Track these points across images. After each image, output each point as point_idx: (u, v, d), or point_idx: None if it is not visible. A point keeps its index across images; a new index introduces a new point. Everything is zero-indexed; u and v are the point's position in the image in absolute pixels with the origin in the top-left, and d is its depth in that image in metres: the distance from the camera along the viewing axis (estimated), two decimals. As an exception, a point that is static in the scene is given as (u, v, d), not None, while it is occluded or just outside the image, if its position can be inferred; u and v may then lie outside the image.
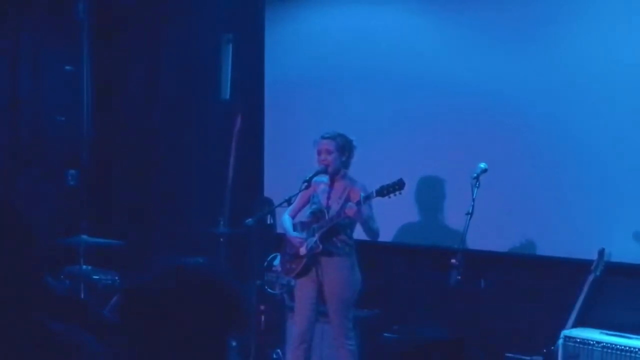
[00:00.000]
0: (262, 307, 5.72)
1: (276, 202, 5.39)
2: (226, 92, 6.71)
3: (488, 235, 5.22)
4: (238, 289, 1.69)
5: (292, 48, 6.43)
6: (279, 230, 5.57)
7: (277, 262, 5.38)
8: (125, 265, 5.80)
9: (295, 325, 5.00)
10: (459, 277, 4.44)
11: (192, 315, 1.60)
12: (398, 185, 4.56)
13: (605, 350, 4.52)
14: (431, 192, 5.64)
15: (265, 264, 5.78)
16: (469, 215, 4.56)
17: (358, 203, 4.61)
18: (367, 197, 4.63)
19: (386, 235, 5.77)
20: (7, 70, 6.37)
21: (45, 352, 1.74)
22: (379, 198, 4.62)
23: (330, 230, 4.79)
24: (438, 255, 5.02)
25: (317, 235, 4.80)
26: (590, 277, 4.78)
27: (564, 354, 4.63)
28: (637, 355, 4.41)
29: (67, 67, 6.60)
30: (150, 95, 6.98)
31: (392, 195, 4.58)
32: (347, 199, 4.75)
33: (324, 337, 5.15)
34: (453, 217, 5.38)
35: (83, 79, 6.62)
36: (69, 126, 6.62)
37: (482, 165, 4.73)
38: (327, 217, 4.80)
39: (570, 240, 5.08)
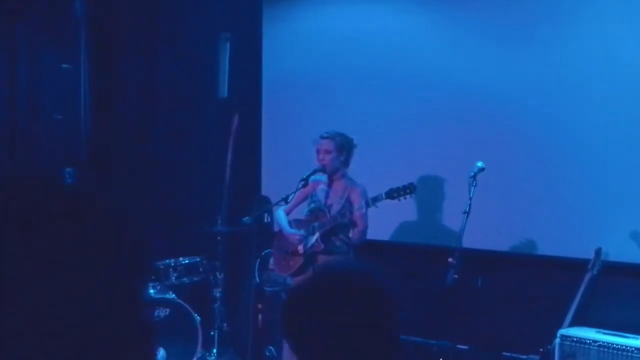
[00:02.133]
0: (259, 306, 5.72)
1: (273, 200, 5.39)
2: (224, 91, 6.71)
3: (485, 234, 5.23)
4: (396, 299, 1.66)
5: (290, 47, 6.43)
6: (276, 228, 5.57)
7: (272, 259, 5.38)
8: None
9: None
10: (456, 276, 4.44)
11: (348, 317, 1.58)
12: (409, 189, 4.53)
13: (601, 349, 4.52)
14: (428, 191, 5.64)
15: (259, 260, 5.78)
16: (466, 214, 4.56)
17: (367, 203, 4.59)
18: (376, 199, 4.61)
19: (383, 234, 5.78)
20: (4, 68, 6.35)
21: None
22: (388, 200, 4.60)
23: (332, 229, 4.79)
24: (435, 254, 5.02)
25: (317, 234, 4.79)
26: (587, 276, 4.79)
27: (561, 353, 4.64)
28: (634, 354, 4.41)
29: (65, 65, 6.58)
30: (147, 93, 6.98)
31: (401, 198, 4.56)
32: (348, 200, 4.74)
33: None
34: (450, 216, 5.38)
35: (80, 77, 6.60)
36: (67, 124, 6.61)
37: (479, 164, 4.73)
38: (328, 216, 4.79)
39: (567, 240, 5.09)
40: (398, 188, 4.55)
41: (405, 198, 4.56)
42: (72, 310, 0.78)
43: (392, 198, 4.56)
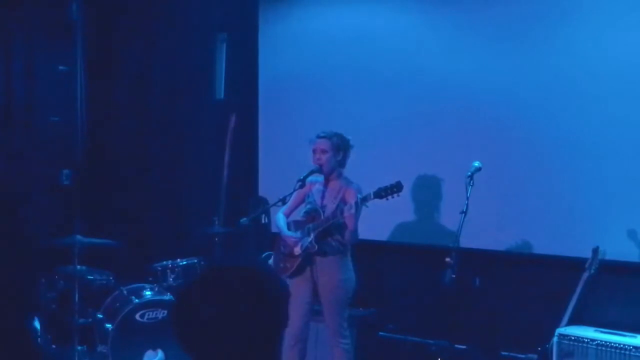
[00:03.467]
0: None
1: (271, 201, 5.38)
2: (220, 92, 6.71)
3: (482, 234, 5.23)
4: (282, 290, 1.75)
5: (286, 47, 6.43)
6: (274, 229, 5.56)
7: (270, 261, 5.37)
8: (119, 265, 5.80)
9: (290, 324, 4.97)
10: (454, 276, 4.44)
11: (236, 315, 1.64)
12: (396, 188, 4.54)
13: (599, 348, 4.52)
14: (426, 191, 5.64)
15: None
16: (463, 214, 4.56)
17: (356, 204, 4.58)
18: (365, 199, 4.61)
19: (381, 234, 5.79)
20: (1, 70, 6.35)
21: None
22: (376, 200, 4.60)
23: (326, 230, 4.78)
24: (433, 254, 5.02)
25: (312, 235, 4.78)
26: (585, 275, 4.79)
27: (559, 352, 4.64)
28: (631, 353, 4.42)
29: (61, 67, 6.58)
30: (144, 94, 6.97)
31: (389, 197, 4.57)
32: (343, 200, 4.73)
33: (319, 336, 5.15)
34: (447, 215, 5.38)
35: (77, 79, 6.60)
36: (63, 126, 6.60)
37: (476, 163, 4.73)
38: (322, 217, 4.78)
39: (564, 239, 5.09)
40: (386, 187, 4.55)
41: (393, 197, 4.56)
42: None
43: (381, 197, 4.56)
